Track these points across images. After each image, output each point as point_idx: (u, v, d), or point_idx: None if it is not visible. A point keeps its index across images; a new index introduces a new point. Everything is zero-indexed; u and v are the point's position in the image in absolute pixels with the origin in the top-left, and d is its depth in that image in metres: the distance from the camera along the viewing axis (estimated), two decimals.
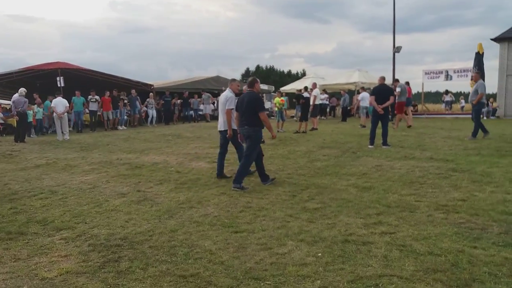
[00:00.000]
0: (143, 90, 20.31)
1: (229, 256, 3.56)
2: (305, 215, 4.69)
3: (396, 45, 25.42)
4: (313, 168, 7.56)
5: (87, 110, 18.33)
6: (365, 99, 17.69)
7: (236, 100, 6.71)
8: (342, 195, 5.56)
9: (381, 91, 10.06)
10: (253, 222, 4.49)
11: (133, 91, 19.64)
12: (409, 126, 15.03)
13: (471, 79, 11.67)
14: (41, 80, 18.39)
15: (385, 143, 9.99)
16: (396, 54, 25.68)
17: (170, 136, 14.13)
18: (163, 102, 21.23)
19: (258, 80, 6.60)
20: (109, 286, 3.10)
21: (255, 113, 6.20)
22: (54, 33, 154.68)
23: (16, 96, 13.84)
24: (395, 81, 17.37)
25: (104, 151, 10.79)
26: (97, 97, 17.99)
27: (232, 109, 6.70)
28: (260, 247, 3.75)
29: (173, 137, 13.87)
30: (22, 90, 13.83)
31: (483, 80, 21.50)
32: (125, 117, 19.85)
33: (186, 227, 4.43)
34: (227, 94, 6.88)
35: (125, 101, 19.84)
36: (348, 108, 22.27)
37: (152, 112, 20.73)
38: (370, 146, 10.02)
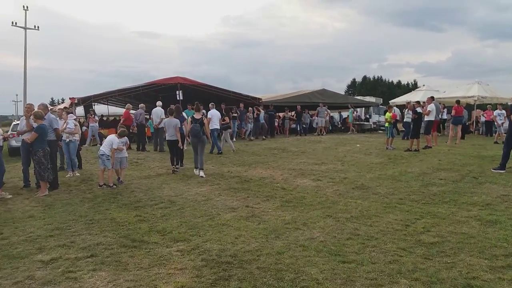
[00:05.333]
0: (251, 104, 21.12)
1: None
2: (420, 249, 4.36)
3: None
4: (428, 194, 7.01)
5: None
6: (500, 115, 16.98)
7: None
8: (463, 228, 5.05)
9: None
10: (362, 253, 4.31)
11: (241, 104, 20.55)
12: (426, 147, 13.61)
13: None
14: (162, 94, 20.28)
15: None
16: None
17: (276, 150, 14.39)
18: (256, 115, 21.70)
19: None
20: None
21: None
22: (174, 48, 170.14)
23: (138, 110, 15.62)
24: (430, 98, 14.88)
25: (216, 163, 11.40)
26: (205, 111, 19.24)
27: None
28: (370, 282, 3.58)
29: (278, 151, 14.11)
30: (142, 105, 15.87)
31: None
32: (236, 129, 20.82)
33: (292, 250, 4.44)
34: None
35: (235, 115, 20.83)
36: (467, 124, 20.33)
37: (250, 126, 21.42)
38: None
